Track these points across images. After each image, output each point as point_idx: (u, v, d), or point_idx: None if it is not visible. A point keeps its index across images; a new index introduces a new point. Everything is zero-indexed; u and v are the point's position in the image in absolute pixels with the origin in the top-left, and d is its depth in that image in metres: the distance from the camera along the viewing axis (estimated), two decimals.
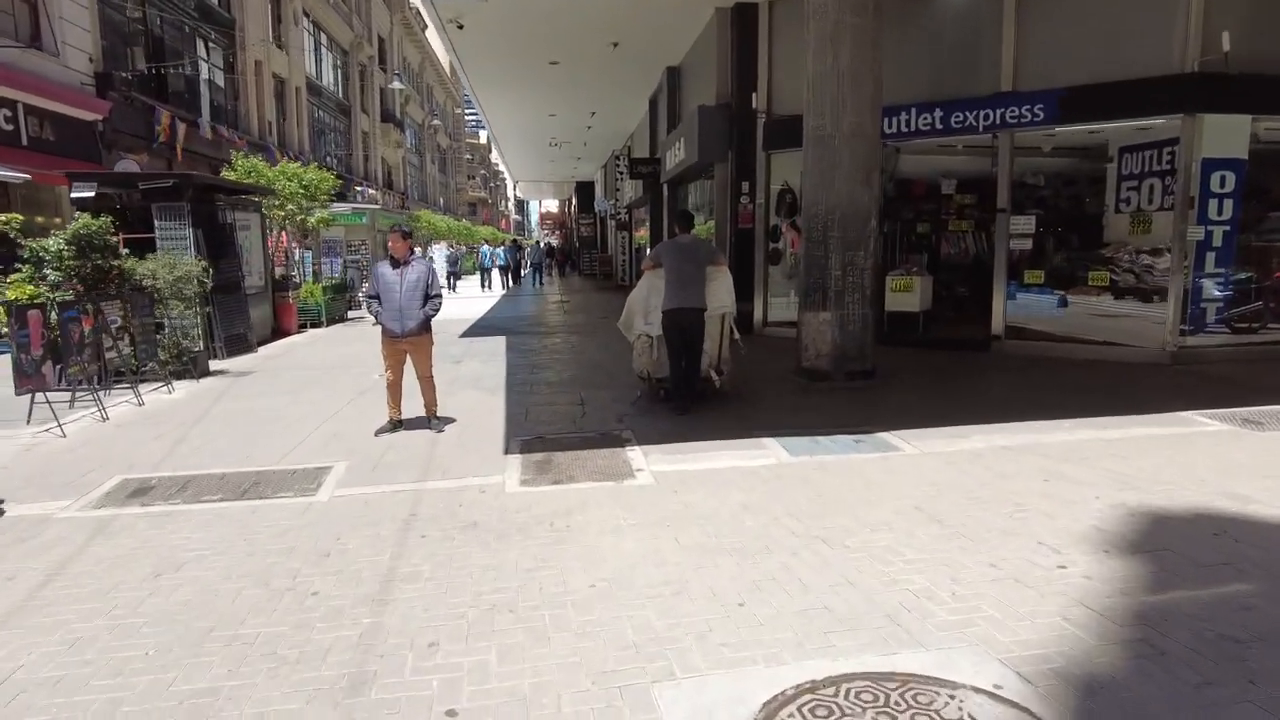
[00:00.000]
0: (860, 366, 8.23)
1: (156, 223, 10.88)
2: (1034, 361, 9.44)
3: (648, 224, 20.93)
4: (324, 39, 39.11)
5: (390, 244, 6.50)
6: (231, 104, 27.93)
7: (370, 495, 5.02)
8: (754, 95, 11.61)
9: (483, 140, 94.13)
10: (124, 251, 9.51)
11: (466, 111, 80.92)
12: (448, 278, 28.83)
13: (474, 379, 9.08)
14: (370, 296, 6.58)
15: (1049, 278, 10.09)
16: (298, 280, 16.10)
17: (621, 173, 26.15)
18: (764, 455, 5.71)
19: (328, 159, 36.04)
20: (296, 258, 19.35)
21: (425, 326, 6.55)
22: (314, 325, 15.44)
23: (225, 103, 27.54)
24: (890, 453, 5.75)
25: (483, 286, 30.46)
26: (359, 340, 13.31)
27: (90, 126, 17.66)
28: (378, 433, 6.55)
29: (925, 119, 10.25)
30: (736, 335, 7.57)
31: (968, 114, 9.95)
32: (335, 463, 5.75)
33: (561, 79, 16.09)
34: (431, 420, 6.73)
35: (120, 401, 7.99)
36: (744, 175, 11.80)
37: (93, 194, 10.63)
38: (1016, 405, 7.14)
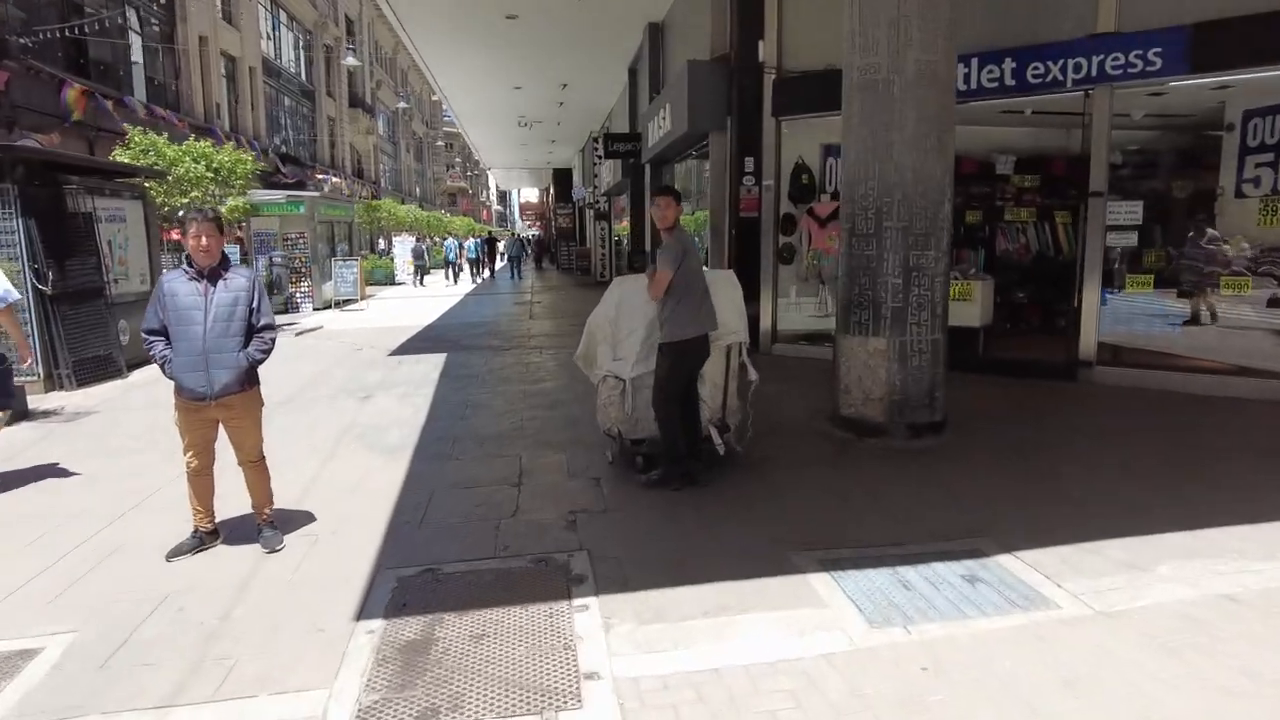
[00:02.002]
0: (928, 418, 5.71)
1: None
2: (1148, 396, 6.95)
3: (628, 213, 18.32)
4: (284, 17, 36.19)
5: (190, 239, 3.82)
6: (172, 83, 25.13)
7: None
8: (760, 45, 9.02)
9: (464, 139, 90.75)
10: None
11: (445, 101, 77.70)
12: (415, 272, 26.97)
13: (375, 429, 6.47)
14: (150, 332, 3.89)
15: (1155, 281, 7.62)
16: None
17: (599, 155, 23.56)
18: (820, 621, 3.17)
19: (282, 146, 33.18)
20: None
21: (248, 379, 3.94)
22: None
23: (164, 80, 24.74)
24: (1038, 611, 3.23)
25: (446, 279, 28.48)
26: (281, 354, 10.67)
27: None
28: (170, 555, 3.94)
29: (991, 73, 7.72)
30: (752, 374, 5.02)
31: (1050, 65, 7.42)
32: (50, 639, 3.17)
33: (523, 39, 13.44)
34: (262, 530, 4.12)
35: None
36: (747, 149, 9.24)
37: None
38: (1182, 483, 4.65)
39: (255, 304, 3.85)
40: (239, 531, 4.19)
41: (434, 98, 73.97)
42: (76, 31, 19.16)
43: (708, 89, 9.41)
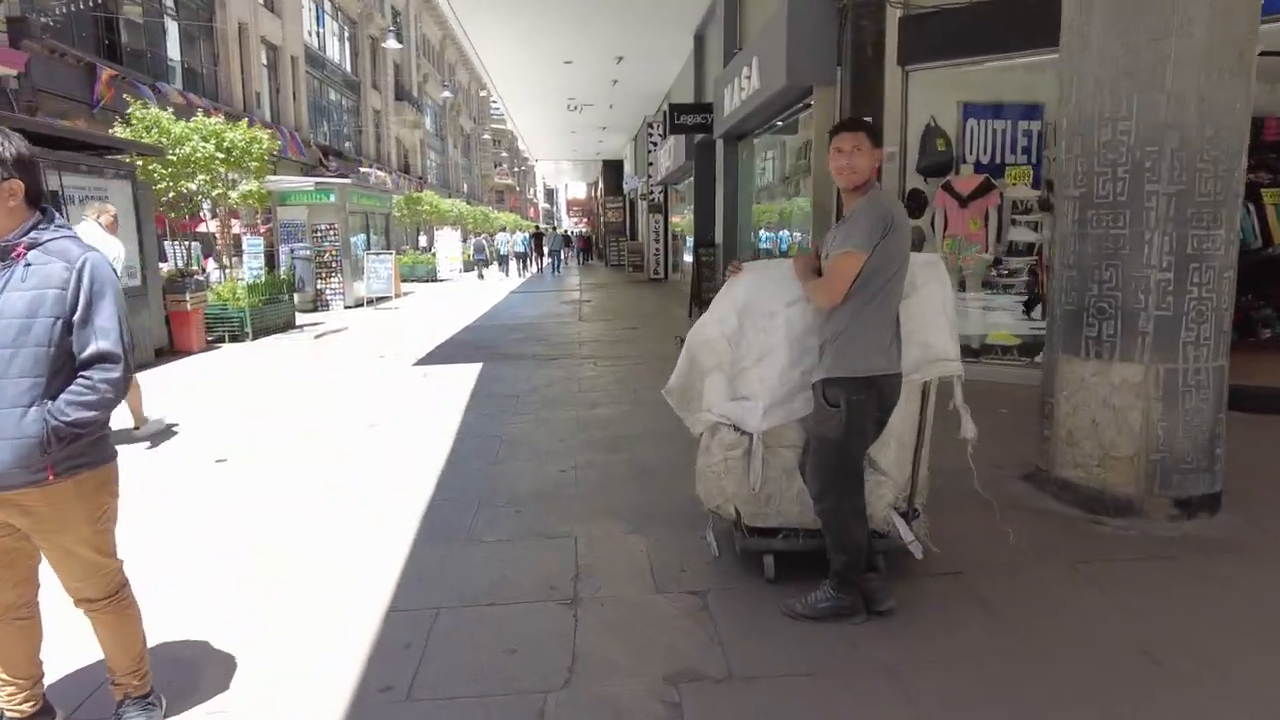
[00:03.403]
0: (1206, 487, 3.67)
1: None
2: None
3: (690, 203, 16.36)
4: (328, 6, 35.12)
5: None
6: (210, 70, 24.04)
7: None
8: None
9: (510, 126, 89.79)
10: None
11: (493, 99, 76.57)
12: (475, 265, 27.50)
13: (372, 476, 4.63)
14: None
15: None
16: (204, 277, 11.79)
17: (655, 140, 21.65)
18: None
19: (324, 137, 32.04)
20: (246, 246, 15.21)
21: (62, 458, 2.01)
22: (235, 338, 11.16)
23: (201, 68, 23.64)
24: None
25: (481, 275, 27.70)
26: (292, 362, 8.99)
27: None
28: None
29: None
30: (969, 429, 3.00)
31: None
32: None
33: (575, 4, 11.59)
34: (123, 713, 2.27)
35: None
36: (862, 108, 7.22)
37: None
38: None
39: (80, 312, 2.00)
40: (97, 708, 2.37)
41: (482, 92, 72.89)
42: (111, 17, 18.03)
43: (813, 32, 7.41)
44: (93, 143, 8.34)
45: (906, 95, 7.20)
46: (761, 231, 11.30)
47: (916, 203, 7.31)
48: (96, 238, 5.71)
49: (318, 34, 33.51)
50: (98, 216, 5.93)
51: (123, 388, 2.05)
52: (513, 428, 5.77)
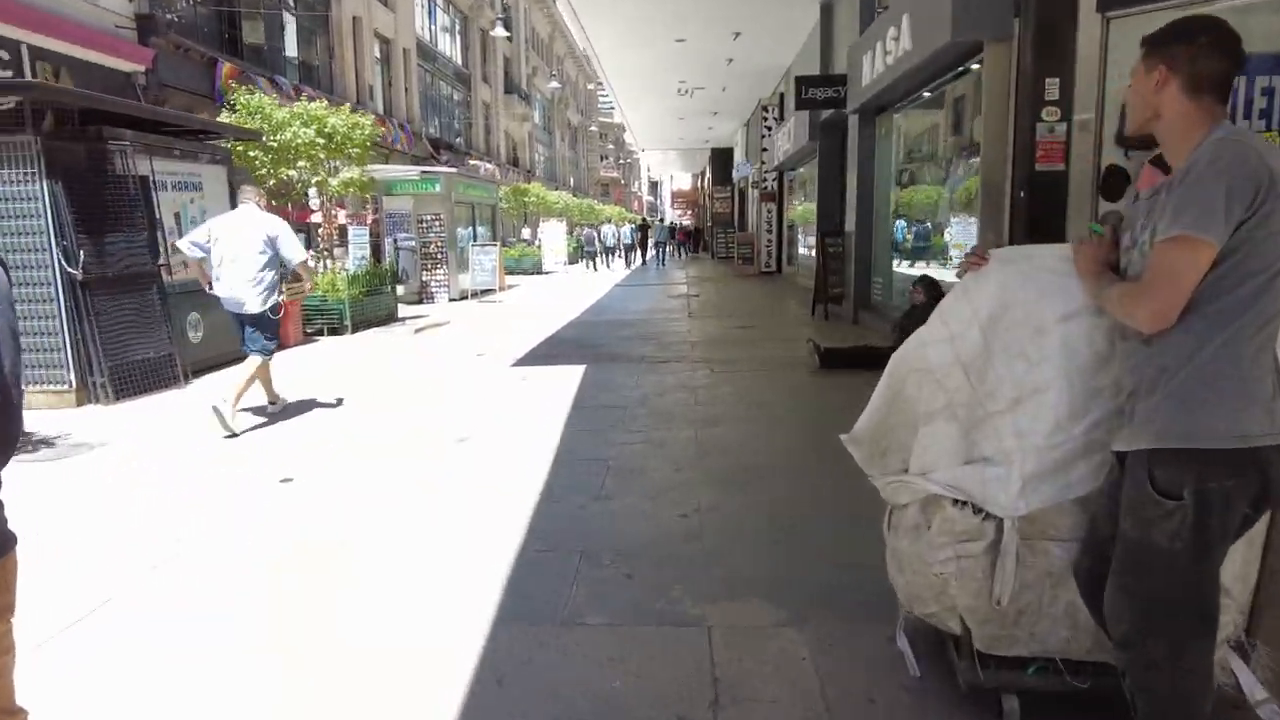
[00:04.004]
0: None
1: None
2: None
3: (812, 189, 15.07)
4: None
5: None
6: (325, 63, 24.44)
7: None
8: None
9: (616, 119, 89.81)
10: None
11: (600, 92, 76.51)
12: (585, 256, 27.64)
13: (450, 515, 3.78)
14: None
15: None
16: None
17: (769, 125, 20.38)
18: None
19: (435, 130, 32.29)
20: (351, 236, 15.02)
21: None
22: (334, 331, 10.78)
23: (315, 61, 24.05)
24: None
25: (594, 268, 27.40)
26: (385, 359, 8.43)
27: (127, 79, 14.08)
28: None
29: None
30: None
31: None
32: None
33: None
34: None
35: None
36: (1048, 67, 5.90)
37: None
38: None
39: None
40: None
41: (589, 85, 72.86)
42: (238, 12, 18.36)
43: None
44: (187, 126, 7.95)
45: (1106, 48, 5.81)
46: (899, 220, 9.97)
47: (1116, 182, 5.91)
48: (260, 219, 5.77)
49: (429, 27, 33.81)
50: (258, 199, 5.99)
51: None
52: (620, 450, 4.84)
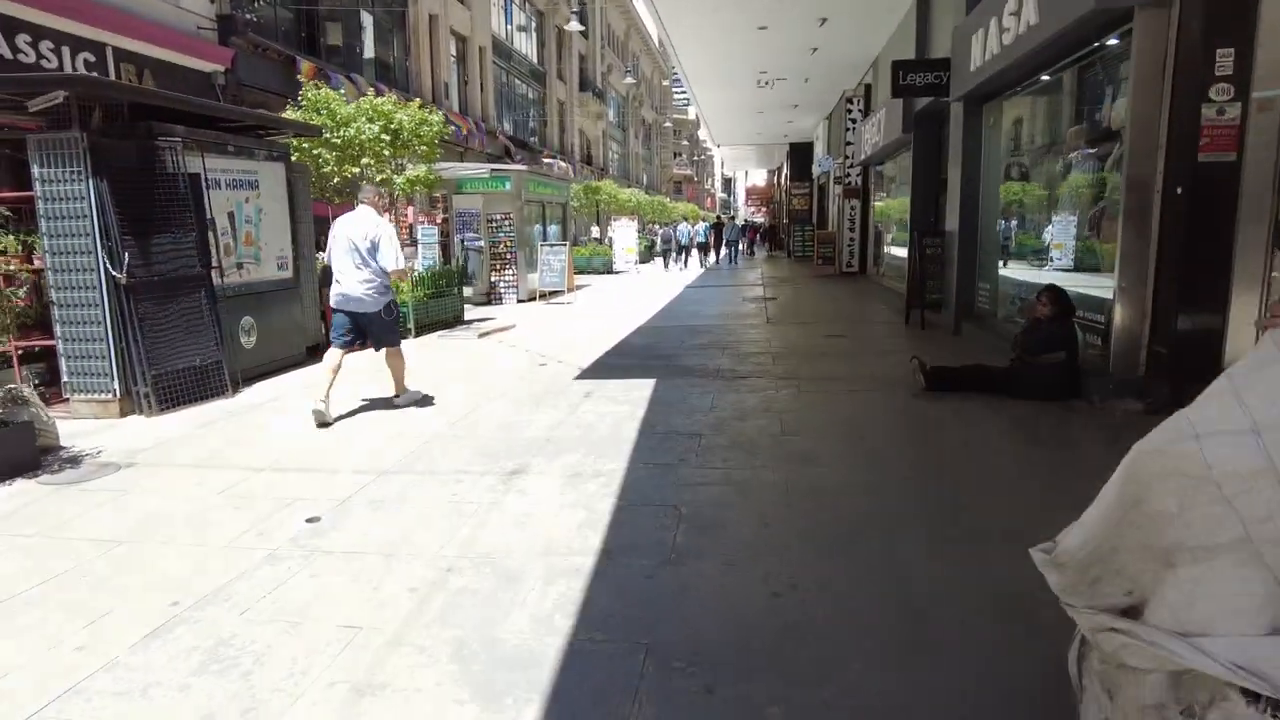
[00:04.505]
0: None
1: (35, 169, 6.02)
2: None
3: (905, 183, 13.99)
4: None
5: None
6: (401, 61, 24.50)
7: None
8: None
9: (691, 115, 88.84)
10: None
11: (674, 88, 75.70)
12: (661, 255, 27.54)
13: (493, 573, 3.11)
14: None
15: None
16: None
17: (854, 117, 19.27)
18: None
19: (510, 128, 32.14)
20: (420, 236, 14.74)
21: None
22: None
23: (392, 59, 24.12)
24: None
25: (667, 266, 26.89)
26: (444, 365, 7.92)
27: (207, 79, 14.18)
28: None
29: None
30: None
31: None
32: None
33: None
34: None
35: None
36: (1219, 31, 4.89)
37: None
38: None
39: None
40: None
41: (664, 82, 72.04)
42: (318, 13, 18.42)
43: None
44: (242, 121, 7.58)
45: None
46: (1007, 220, 8.91)
47: None
48: (368, 220, 5.93)
49: (505, 25, 33.72)
50: (374, 199, 6.14)
51: None
52: (694, 493, 4.10)
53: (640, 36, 60.11)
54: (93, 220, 6.00)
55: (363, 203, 6.09)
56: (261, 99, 15.67)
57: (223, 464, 4.84)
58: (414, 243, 15.00)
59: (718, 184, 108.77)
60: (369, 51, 22.69)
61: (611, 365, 7.96)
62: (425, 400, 6.38)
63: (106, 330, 6.12)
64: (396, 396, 6.29)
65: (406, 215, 15.89)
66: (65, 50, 10.72)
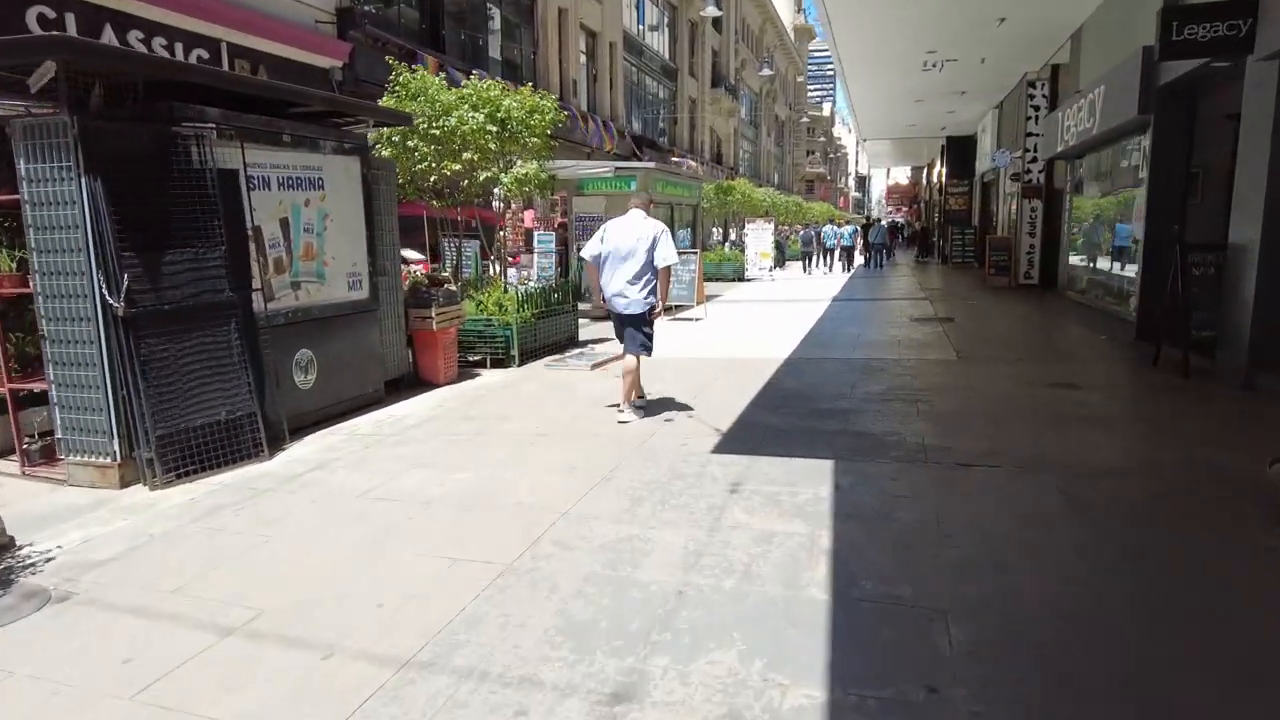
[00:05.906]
0: None
1: (20, 165, 4.61)
2: None
3: (1126, 180, 11.10)
4: None
5: None
6: (528, 57, 23.36)
7: None
8: None
9: (825, 112, 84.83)
10: None
11: (809, 84, 72.36)
12: (801, 258, 26.40)
13: None
14: None
15: None
16: (459, 281, 9.37)
17: (1036, 104, 16.30)
18: None
19: (639, 126, 30.56)
20: (537, 243, 13.20)
21: None
22: (498, 363, 8.72)
23: (519, 55, 22.99)
24: None
25: (807, 269, 25.32)
26: (536, 418, 6.08)
27: (324, 75, 13.34)
28: None
29: None
30: None
31: None
32: None
33: None
34: None
35: None
36: None
37: None
38: None
39: None
40: None
41: (799, 78, 68.77)
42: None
43: None
44: (299, 104, 6.01)
45: None
46: None
47: None
48: (646, 219, 6.06)
49: (636, 20, 32.23)
50: (642, 203, 6.22)
51: None
52: None
53: (775, 30, 57.38)
54: (85, 232, 4.52)
55: (634, 207, 6.17)
56: (380, 95, 14.68)
57: (190, 602, 3.14)
58: (530, 250, 13.48)
59: (851, 182, 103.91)
60: (494, 47, 21.59)
61: (762, 427, 5.87)
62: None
63: (103, 375, 4.65)
64: (639, 399, 6.36)
65: (523, 220, 14.39)
66: (179, 47, 9.91)
